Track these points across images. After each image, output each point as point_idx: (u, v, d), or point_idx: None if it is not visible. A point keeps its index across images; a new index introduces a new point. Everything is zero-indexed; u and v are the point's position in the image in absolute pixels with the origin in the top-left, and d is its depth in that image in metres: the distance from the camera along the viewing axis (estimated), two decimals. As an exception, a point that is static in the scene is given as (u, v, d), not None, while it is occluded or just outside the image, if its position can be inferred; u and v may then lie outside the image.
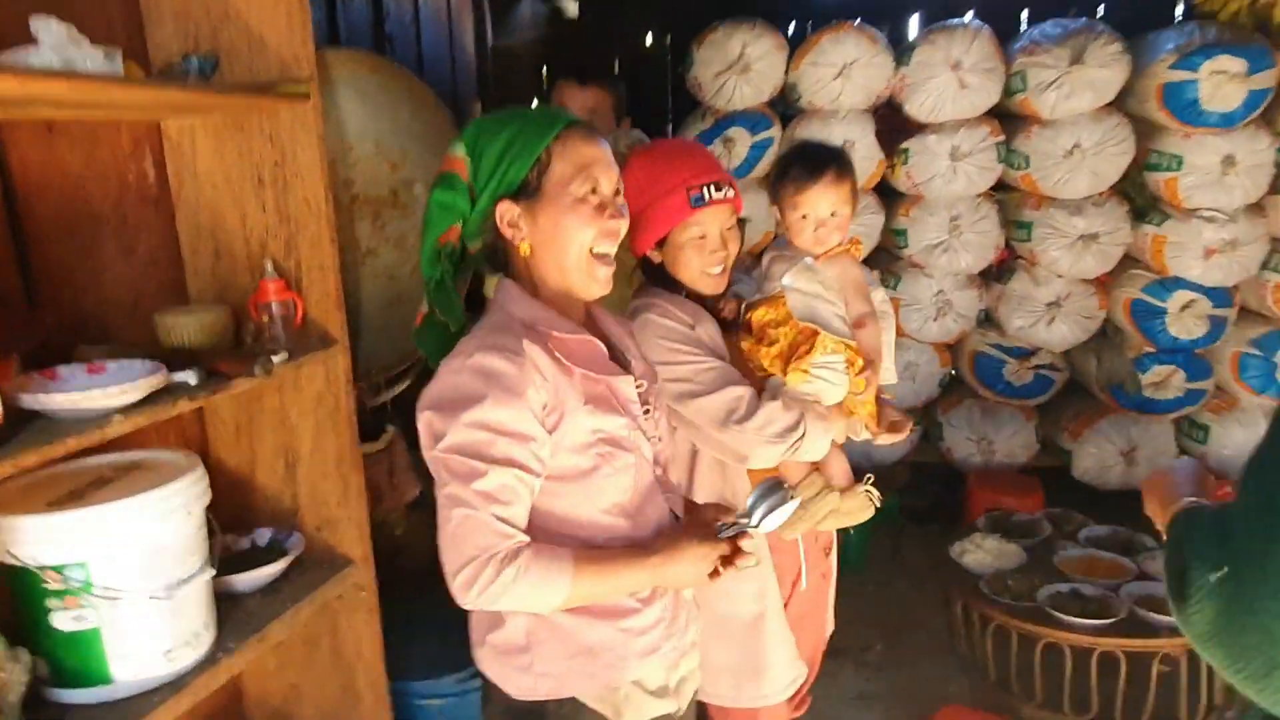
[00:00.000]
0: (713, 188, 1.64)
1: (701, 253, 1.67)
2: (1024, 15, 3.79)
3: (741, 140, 3.65)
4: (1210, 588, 0.88)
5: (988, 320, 3.84)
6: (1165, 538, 1.05)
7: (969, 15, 3.78)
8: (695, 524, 1.37)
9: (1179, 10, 3.59)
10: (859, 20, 3.66)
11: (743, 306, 1.76)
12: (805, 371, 1.64)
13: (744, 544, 1.33)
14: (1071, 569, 2.70)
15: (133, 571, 1.42)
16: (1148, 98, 3.25)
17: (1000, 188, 3.65)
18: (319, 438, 1.90)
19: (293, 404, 1.90)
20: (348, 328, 1.87)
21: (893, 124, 3.58)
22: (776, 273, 1.75)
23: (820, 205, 1.74)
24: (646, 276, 1.78)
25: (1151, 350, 3.52)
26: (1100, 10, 3.70)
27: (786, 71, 3.61)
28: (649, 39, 4.10)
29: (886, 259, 3.87)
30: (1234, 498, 0.92)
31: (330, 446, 1.89)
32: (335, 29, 3.03)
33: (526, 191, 1.28)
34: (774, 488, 1.35)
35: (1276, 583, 0.83)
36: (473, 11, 4.29)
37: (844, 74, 3.47)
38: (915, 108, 3.48)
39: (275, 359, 1.59)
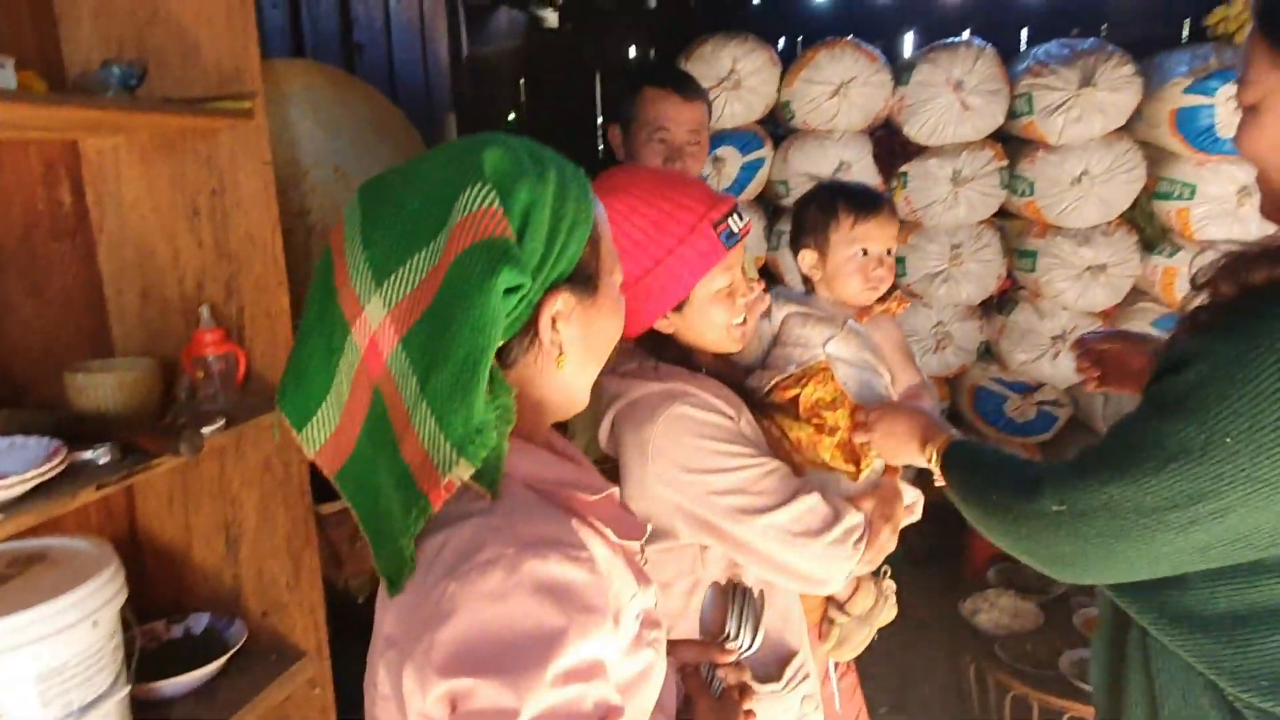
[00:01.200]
0: (736, 216, 1.32)
1: (731, 304, 1.34)
2: (1024, 34, 3.62)
3: (732, 160, 3.44)
4: (1053, 513, 1.01)
5: (988, 353, 3.65)
6: (941, 461, 1.26)
7: (966, 33, 3.61)
8: (701, 699, 1.04)
9: (1185, 30, 3.44)
10: (853, 36, 3.47)
11: (771, 382, 1.50)
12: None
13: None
14: (1092, 630, 2.50)
15: (27, 699, 1.15)
16: (1159, 123, 3.09)
17: (1003, 215, 3.47)
18: (266, 510, 1.64)
19: (235, 472, 1.63)
20: (301, 382, 1.62)
21: (891, 146, 3.39)
22: (808, 337, 1.49)
23: (881, 238, 1.52)
24: (650, 352, 1.38)
25: (1161, 387, 3.35)
26: (1104, 29, 3.54)
27: (779, 89, 3.41)
28: (632, 51, 3.89)
29: (882, 287, 3.67)
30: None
31: (280, 520, 1.63)
32: (300, 35, 2.77)
33: (581, 279, 0.87)
34: (732, 593, 1.15)
35: (1123, 523, 0.96)
36: (447, 18, 4.04)
37: (840, 92, 3.27)
38: (915, 129, 3.29)
39: (207, 431, 1.33)
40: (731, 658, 1.08)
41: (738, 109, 3.37)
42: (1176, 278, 3.20)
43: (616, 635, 0.82)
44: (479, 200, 0.79)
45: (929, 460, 1.31)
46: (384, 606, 0.84)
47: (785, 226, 3.48)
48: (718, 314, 1.33)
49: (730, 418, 1.33)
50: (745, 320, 1.37)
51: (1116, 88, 3.04)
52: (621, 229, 1.25)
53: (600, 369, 0.94)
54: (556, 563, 0.76)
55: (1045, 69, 3.13)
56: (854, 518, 1.33)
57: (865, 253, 1.53)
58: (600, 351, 0.92)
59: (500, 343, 0.80)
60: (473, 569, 0.74)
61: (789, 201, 3.48)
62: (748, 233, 1.35)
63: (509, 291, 0.78)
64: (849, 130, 3.36)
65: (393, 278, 0.80)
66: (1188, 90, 2.98)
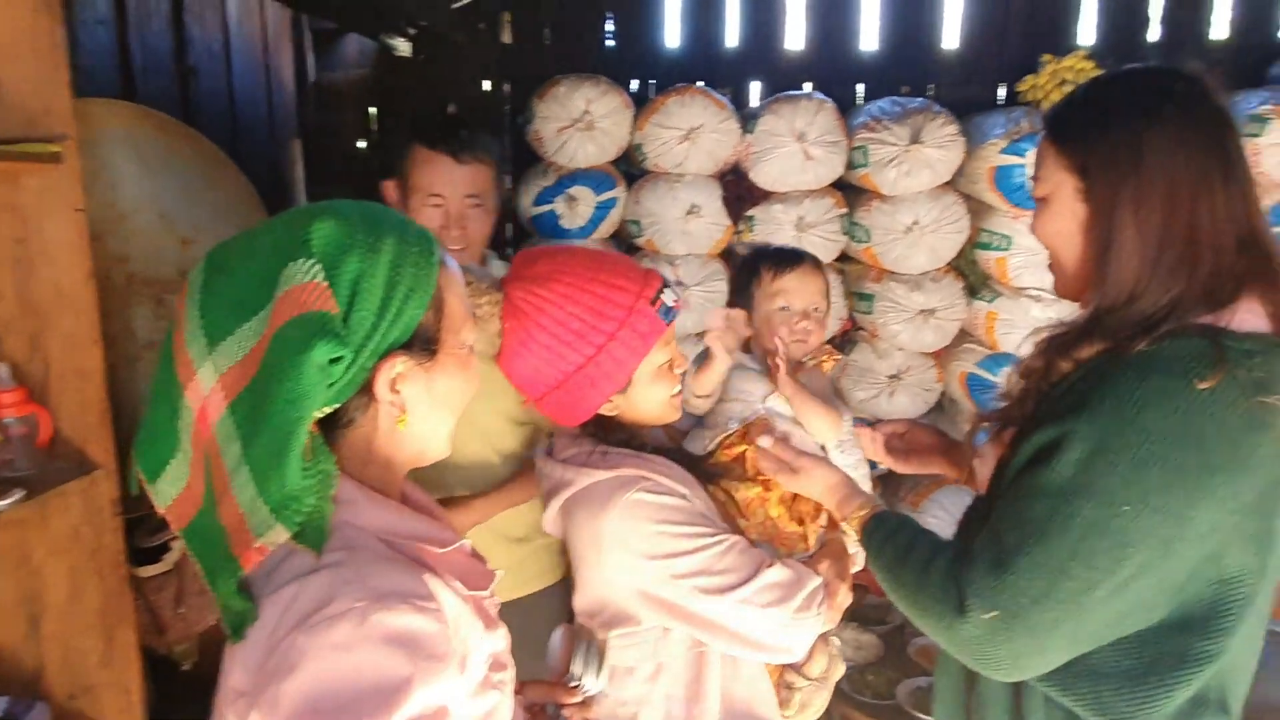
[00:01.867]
0: (668, 290, 1.30)
1: (671, 376, 1.33)
2: (860, 89, 3.83)
3: (585, 200, 3.48)
4: (986, 622, 1.02)
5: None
6: (860, 534, 1.26)
7: (809, 85, 3.79)
8: None
9: (1003, 93, 3.74)
10: (703, 83, 3.59)
11: (715, 441, 1.51)
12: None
13: None
14: (927, 660, 2.64)
15: None
16: (979, 179, 3.34)
17: (844, 259, 3.65)
18: (75, 584, 1.51)
19: (39, 542, 1.50)
20: (117, 445, 1.50)
21: (739, 190, 3.50)
22: (749, 391, 1.52)
23: (801, 293, 1.57)
24: (594, 436, 1.35)
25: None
26: (930, 89, 3.80)
27: (631, 131, 3.47)
28: (486, 85, 3.86)
29: (732, 326, 3.78)
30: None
31: (90, 594, 1.51)
32: (128, 58, 2.59)
33: (421, 343, 0.90)
34: (570, 635, 1.23)
35: (1054, 614, 0.99)
36: (291, 41, 3.89)
37: (690, 138, 3.36)
38: (761, 175, 3.42)
39: (3, 504, 1.22)
40: (575, 698, 1.14)
41: (591, 150, 3.41)
42: (997, 321, 3.45)
43: (463, 678, 0.87)
44: (304, 274, 0.82)
45: (842, 520, 1.35)
46: (231, 656, 0.85)
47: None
48: (660, 389, 1.33)
49: (685, 496, 1.31)
50: (680, 389, 1.40)
51: (942, 145, 3.26)
52: (557, 319, 1.23)
53: (455, 419, 0.97)
54: (404, 614, 0.80)
55: (879, 124, 3.33)
56: (814, 581, 1.33)
57: (787, 307, 1.57)
58: (451, 407, 0.96)
59: (331, 407, 0.84)
60: (321, 621, 0.77)
61: (642, 241, 3.54)
62: (681, 306, 1.35)
63: (333, 361, 0.81)
64: (699, 174, 3.46)
65: (223, 345, 0.82)
66: (1004, 150, 3.24)
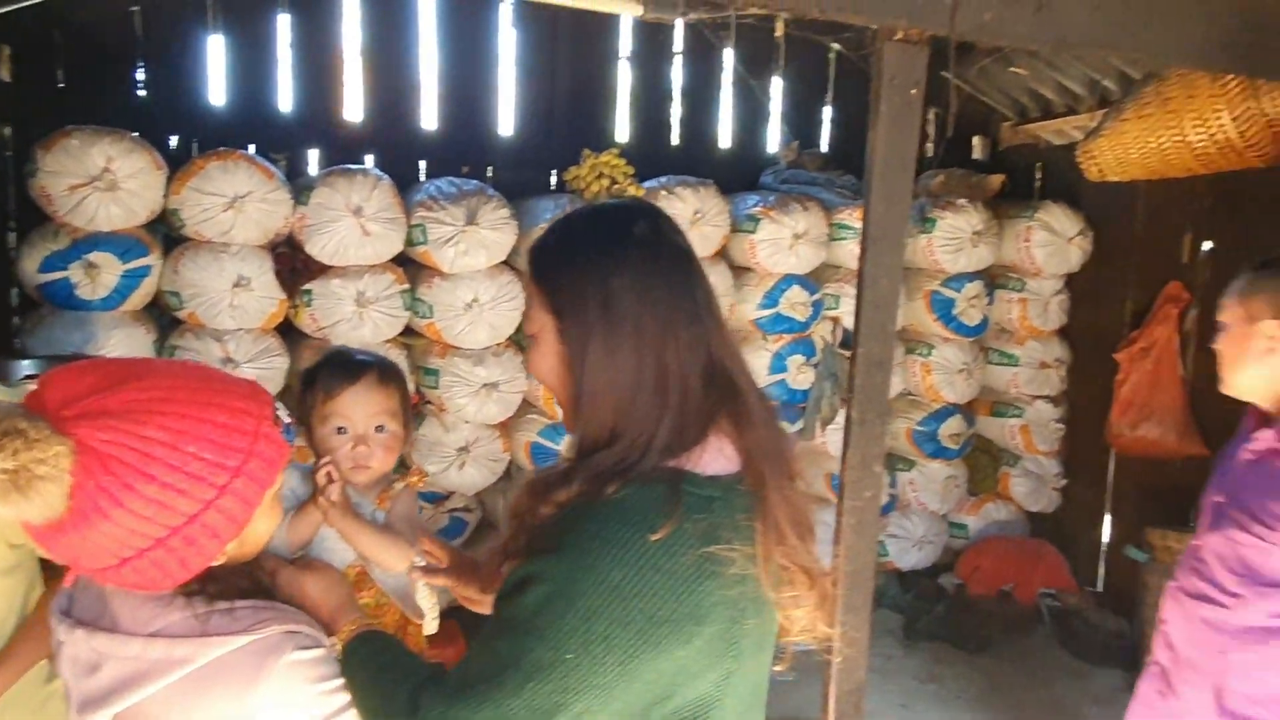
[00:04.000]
0: (279, 403, 1.10)
1: (278, 505, 1.13)
2: (423, 165, 3.89)
3: (109, 267, 3.06)
4: None
5: (403, 466, 3.75)
6: (344, 648, 1.16)
7: (370, 158, 3.77)
8: None
9: (554, 178, 4.03)
10: (252, 148, 3.38)
11: None
12: None
13: None
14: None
15: None
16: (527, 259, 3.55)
17: (410, 334, 3.64)
18: None
19: None
20: None
21: (293, 263, 3.34)
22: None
23: (360, 412, 1.42)
24: (199, 593, 1.08)
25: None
26: (490, 170, 3.98)
27: (165, 194, 3.15)
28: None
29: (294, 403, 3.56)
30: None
31: None
32: None
33: None
34: None
35: None
36: None
37: (235, 206, 3.13)
38: (317, 249, 3.29)
39: None
40: None
41: (116, 212, 3.03)
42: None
43: None
44: None
45: (331, 636, 1.22)
46: None
47: (188, 342, 3.20)
48: (270, 523, 1.11)
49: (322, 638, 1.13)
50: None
51: (496, 227, 3.42)
52: (171, 463, 0.96)
53: None
54: None
55: (436, 204, 3.40)
56: None
57: (344, 429, 1.43)
58: None
59: None
60: None
61: (184, 314, 3.21)
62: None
63: None
64: (247, 244, 3.23)
65: None
66: (553, 234, 3.49)
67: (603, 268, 1.04)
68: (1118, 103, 2.99)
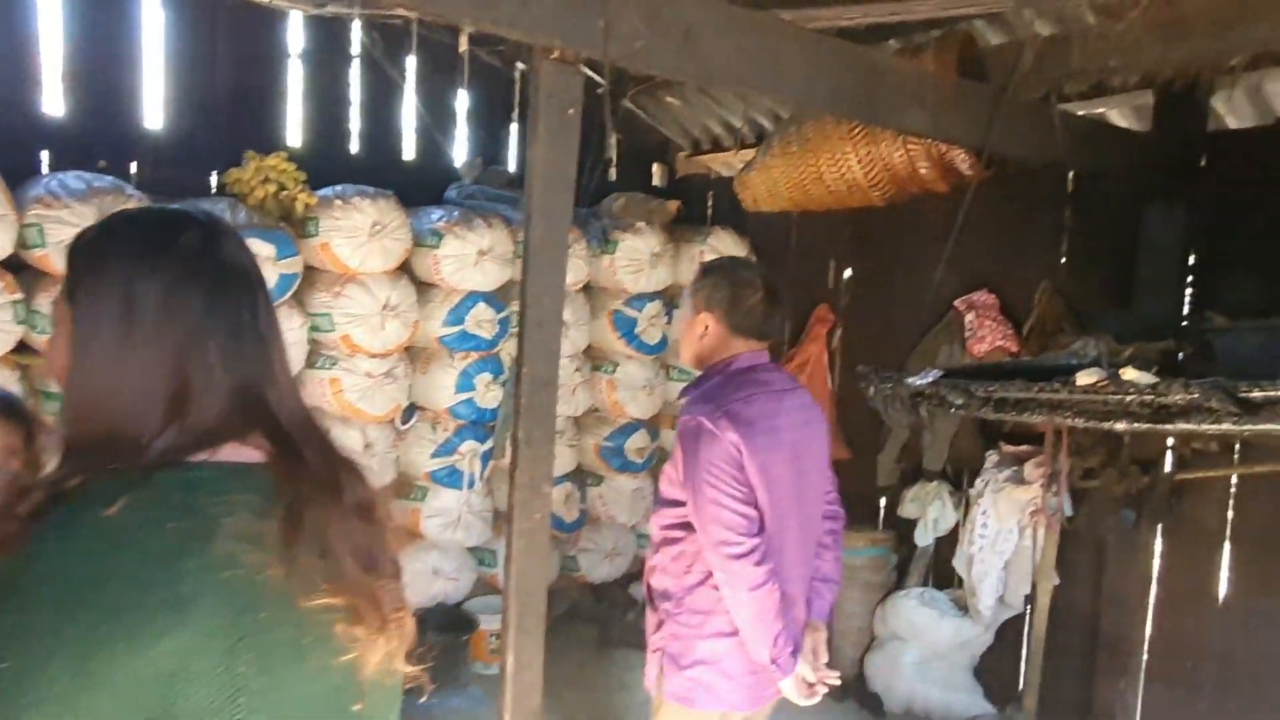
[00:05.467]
0: None
1: None
2: (45, 156, 3.34)
3: None
4: None
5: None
6: None
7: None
8: None
9: (215, 180, 3.65)
10: None
11: None
12: None
13: None
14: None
15: None
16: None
17: (23, 350, 3.09)
18: None
19: None
20: None
21: None
22: None
23: None
24: None
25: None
26: (134, 168, 3.51)
27: None
28: None
29: None
30: None
31: None
32: None
33: None
34: None
35: None
36: None
37: None
38: (-110, 249, 2.70)
39: None
40: None
41: None
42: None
43: None
44: None
45: None
46: None
47: None
48: None
49: None
50: None
51: (137, 231, 3.01)
52: None
53: None
54: None
55: (58, 202, 2.93)
56: None
57: None
58: None
59: None
60: None
61: None
62: None
63: None
64: None
65: None
66: (208, 241, 3.15)
67: (130, 270, 0.97)
68: (768, 139, 3.28)
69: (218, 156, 3.57)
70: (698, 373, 2.23)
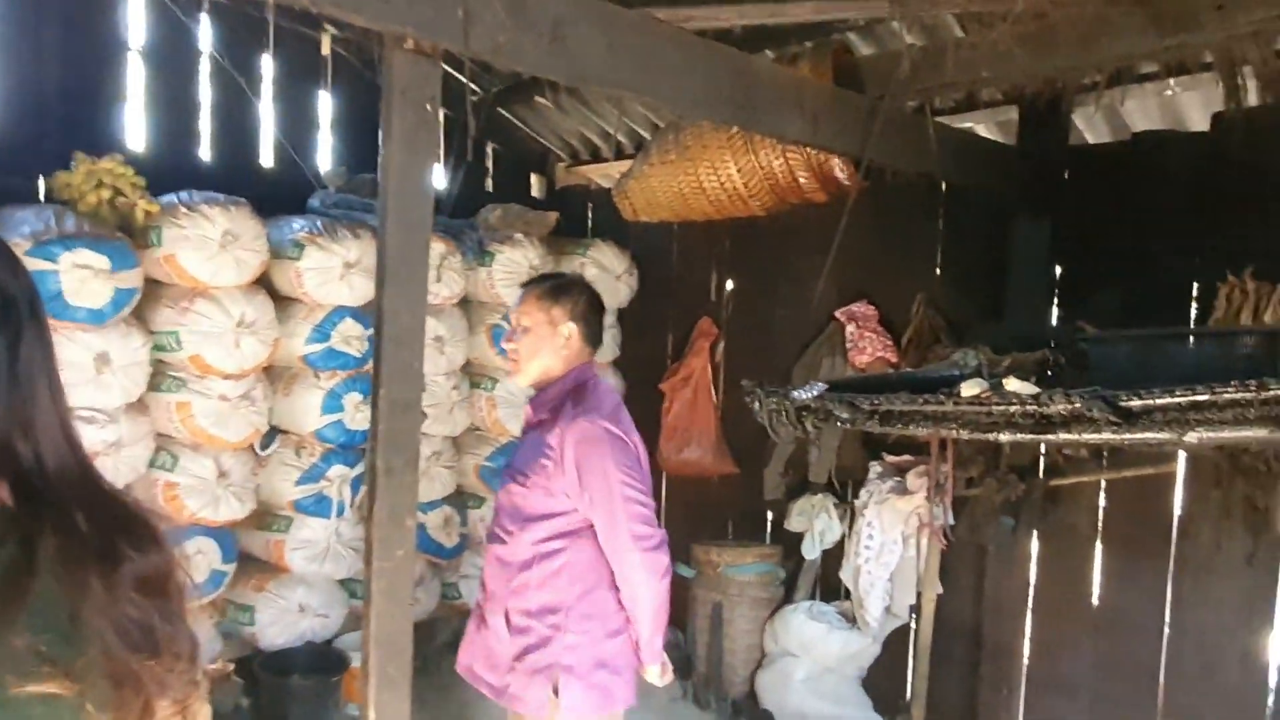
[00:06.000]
0: None
1: None
2: None
3: None
4: None
5: None
6: None
7: None
8: None
9: (42, 186, 3.29)
10: None
11: None
12: None
13: None
14: None
15: None
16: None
17: None
18: None
19: None
20: None
21: None
22: None
23: None
24: None
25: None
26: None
27: None
28: None
29: None
30: None
31: None
32: None
33: None
34: None
35: None
36: None
37: None
38: None
39: None
40: None
41: None
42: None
43: None
44: None
45: None
46: None
47: None
48: None
49: None
50: None
51: (-59, 241, 2.66)
52: None
53: None
54: None
55: None
56: None
57: None
58: None
59: None
60: None
61: None
62: None
63: None
64: None
65: None
66: (30, 253, 2.82)
67: None
68: (646, 147, 3.19)
69: (49, 161, 3.22)
70: (535, 387, 2.24)
